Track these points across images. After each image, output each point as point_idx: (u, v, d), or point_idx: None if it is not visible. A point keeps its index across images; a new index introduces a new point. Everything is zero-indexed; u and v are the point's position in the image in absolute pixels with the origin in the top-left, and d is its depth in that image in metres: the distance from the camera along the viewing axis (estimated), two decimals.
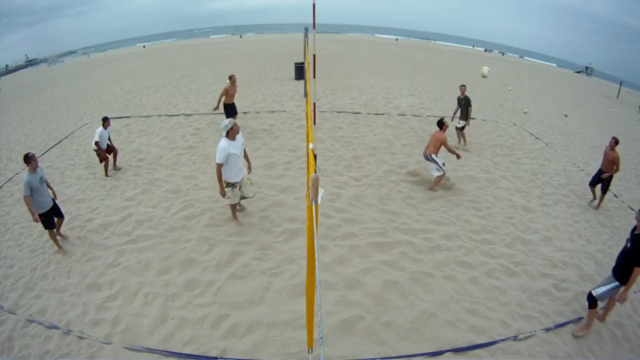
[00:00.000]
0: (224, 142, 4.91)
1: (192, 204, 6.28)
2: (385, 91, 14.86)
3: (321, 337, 1.75)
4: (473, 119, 11.89)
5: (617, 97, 27.02)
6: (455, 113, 9.41)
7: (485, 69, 13.78)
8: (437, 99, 14.28)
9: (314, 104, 2.32)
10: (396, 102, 13.28)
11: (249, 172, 5.62)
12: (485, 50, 55.25)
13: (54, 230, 5.27)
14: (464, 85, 9.20)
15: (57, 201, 5.42)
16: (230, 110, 9.40)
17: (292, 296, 4.25)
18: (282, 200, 6.32)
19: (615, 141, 6.69)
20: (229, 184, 5.17)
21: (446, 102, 13.93)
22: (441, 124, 6.75)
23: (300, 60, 16.44)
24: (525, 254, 5.29)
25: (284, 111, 11.58)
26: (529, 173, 8.15)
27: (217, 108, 9.19)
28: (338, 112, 11.57)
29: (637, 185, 8.73)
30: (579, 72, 47.67)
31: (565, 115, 14.92)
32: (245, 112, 11.53)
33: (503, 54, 56.68)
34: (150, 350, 3.68)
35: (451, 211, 6.22)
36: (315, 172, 2.05)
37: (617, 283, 3.85)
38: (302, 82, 15.25)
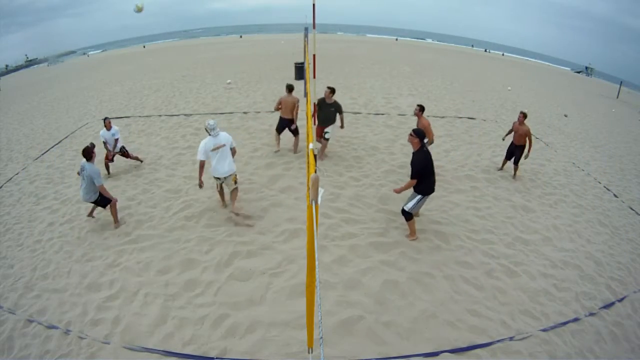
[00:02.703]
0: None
1: (192, 204, 6.28)
2: (385, 91, 14.86)
3: (321, 337, 1.75)
4: (473, 118, 11.96)
5: (617, 97, 27.04)
6: (315, 117, 7.15)
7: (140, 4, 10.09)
8: (437, 99, 14.28)
9: (314, 104, 2.32)
10: (396, 102, 13.27)
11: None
12: (485, 50, 55.25)
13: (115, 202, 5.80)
14: (329, 88, 7.15)
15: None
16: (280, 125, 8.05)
17: (292, 296, 4.25)
18: (282, 200, 6.32)
19: (524, 115, 7.33)
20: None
21: (446, 102, 13.93)
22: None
23: (300, 60, 16.45)
24: (525, 254, 5.30)
25: None
26: (529, 173, 8.14)
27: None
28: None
29: (637, 185, 8.73)
30: (579, 72, 47.71)
31: (565, 115, 14.93)
32: (245, 112, 11.53)
33: (503, 54, 56.68)
34: (150, 350, 3.67)
35: (451, 211, 6.21)
36: (315, 172, 2.05)
37: (419, 195, 5.07)
38: (302, 82, 15.25)
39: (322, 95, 7.22)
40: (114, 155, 7.75)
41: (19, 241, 5.74)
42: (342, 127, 7.72)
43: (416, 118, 6.82)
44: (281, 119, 7.95)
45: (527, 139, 7.32)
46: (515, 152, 7.57)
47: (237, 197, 5.92)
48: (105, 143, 7.55)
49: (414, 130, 4.89)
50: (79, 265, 4.96)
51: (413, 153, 4.92)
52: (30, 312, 4.23)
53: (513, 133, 7.58)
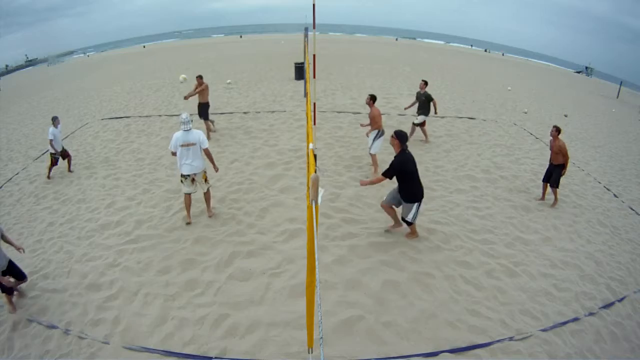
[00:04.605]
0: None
1: (192, 204, 6.27)
2: (385, 91, 14.86)
3: (321, 337, 1.75)
4: (473, 118, 11.97)
5: (617, 97, 27.05)
6: (410, 106, 9.36)
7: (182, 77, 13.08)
8: (437, 99, 14.21)
9: (314, 104, 2.33)
10: (396, 102, 13.28)
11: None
12: (485, 50, 55.25)
13: (13, 293, 4.22)
14: (424, 81, 9.07)
15: (22, 252, 4.55)
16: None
17: (292, 296, 4.25)
18: (282, 200, 6.32)
19: (557, 129, 6.53)
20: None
21: (446, 102, 13.94)
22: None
23: (300, 60, 16.45)
24: (525, 254, 5.29)
25: (284, 111, 11.58)
26: (529, 173, 8.14)
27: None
28: (338, 112, 11.57)
29: (637, 185, 8.73)
30: (579, 72, 47.71)
31: (565, 115, 14.92)
32: (245, 112, 11.53)
33: (503, 54, 56.67)
34: (150, 350, 3.67)
35: (451, 211, 6.22)
36: (315, 172, 2.05)
37: (415, 203, 4.85)
38: (302, 82, 15.25)
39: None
40: (63, 155, 7.81)
41: (19, 241, 5.73)
42: (435, 112, 9.07)
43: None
44: (206, 104, 9.24)
45: (562, 156, 6.47)
46: (553, 172, 6.64)
47: (210, 199, 5.89)
48: (52, 141, 7.53)
49: (395, 133, 4.69)
50: (79, 265, 4.96)
51: (395, 156, 4.77)
52: (30, 312, 4.23)
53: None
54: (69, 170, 7.97)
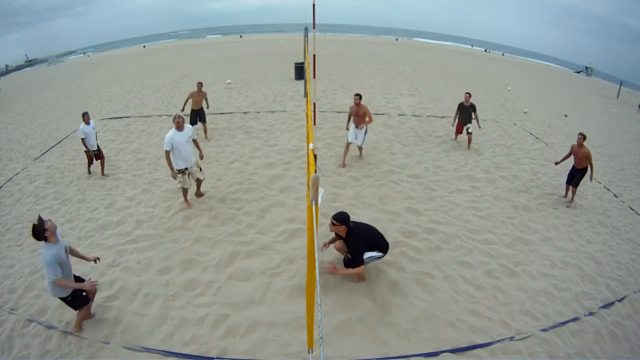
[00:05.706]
0: (170, 132, 5.63)
1: (191, 203, 6.28)
2: (385, 91, 14.87)
3: (321, 337, 1.76)
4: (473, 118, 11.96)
5: (617, 97, 27.05)
6: (456, 118, 9.27)
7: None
8: (437, 99, 14.28)
9: (314, 104, 2.33)
10: (396, 102, 13.28)
11: (201, 159, 6.22)
12: (485, 50, 55.26)
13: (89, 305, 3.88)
14: (468, 93, 9.06)
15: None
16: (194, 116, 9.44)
17: (292, 296, 4.24)
18: (282, 200, 6.32)
19: (583, 137, 6.74)
20: (179, 171, 5.82)
21: (446, 102, 13.92)
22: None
23: (300, 60, 16.45)
24: (525, 254, 5.30)
25: (284, 111, 11.58)
26: (529, 173, 8.15)
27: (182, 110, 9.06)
28: (338, 112, 11.56)
29: (637, 185, 8.73)
30: (579, 72, 47.74)
31: (565, 115, 14.92)
32: (245, 112, 11.53)
33: (503, 54, 56.69)
34: (150, 350, 3.67)
35: (451, 211, 6.22)
36: (315, 172, 2.05)
37: (380, 253, 4.29)
38: (302, 82, 15.25)
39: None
40: (94, 155, 7.51)
41: (19, 241, 5.74)
42: (479, 127, 9.31)
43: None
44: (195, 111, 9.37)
45: (588, 162, 6.73)
46: (575, 175, 6.93)
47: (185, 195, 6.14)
48: (84, 139, 7.31)
49: (334, 218, 4.01)
50: (79, 265, 4.94)
51: (344, 239, 4.15)
52: (30, 312, 4.23)
53: (573, 156, 6.99)
54: (103, 174, 7.59)
